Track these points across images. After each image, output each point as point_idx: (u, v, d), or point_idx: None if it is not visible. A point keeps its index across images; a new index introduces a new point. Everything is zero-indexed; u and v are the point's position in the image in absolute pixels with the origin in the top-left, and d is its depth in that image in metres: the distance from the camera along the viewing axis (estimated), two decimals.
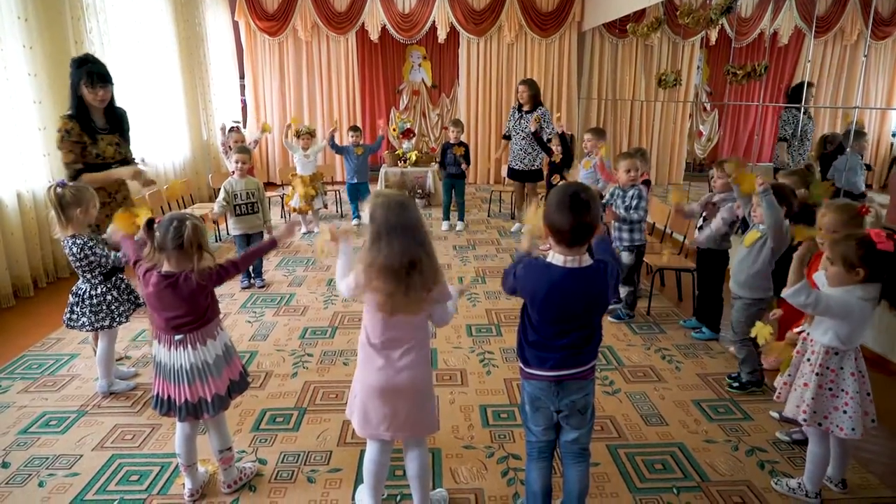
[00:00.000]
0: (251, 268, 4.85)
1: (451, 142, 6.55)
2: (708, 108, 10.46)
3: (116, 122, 3.58)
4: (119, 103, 3.73)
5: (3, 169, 4.46)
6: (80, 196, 2.80)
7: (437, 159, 6.89)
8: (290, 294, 4.69)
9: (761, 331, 2.52)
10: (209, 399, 2.23)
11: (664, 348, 3.74)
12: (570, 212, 1.80)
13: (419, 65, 9.96)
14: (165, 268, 2.16)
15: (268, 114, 9.69)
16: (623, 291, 4.13)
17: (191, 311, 2.18)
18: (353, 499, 2.35)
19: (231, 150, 5.65)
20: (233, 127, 7.39)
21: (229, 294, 4.65)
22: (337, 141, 6.77)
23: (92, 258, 2.86)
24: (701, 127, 10.48)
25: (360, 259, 1.91)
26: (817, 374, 2.20)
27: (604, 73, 9.89)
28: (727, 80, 6.89)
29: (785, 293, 2.16)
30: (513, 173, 6.72)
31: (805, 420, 2.22)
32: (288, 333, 3.95)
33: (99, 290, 2.96)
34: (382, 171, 8.15)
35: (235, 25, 9.35)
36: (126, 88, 6.03)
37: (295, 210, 6.36)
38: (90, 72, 3.33)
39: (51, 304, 4.45)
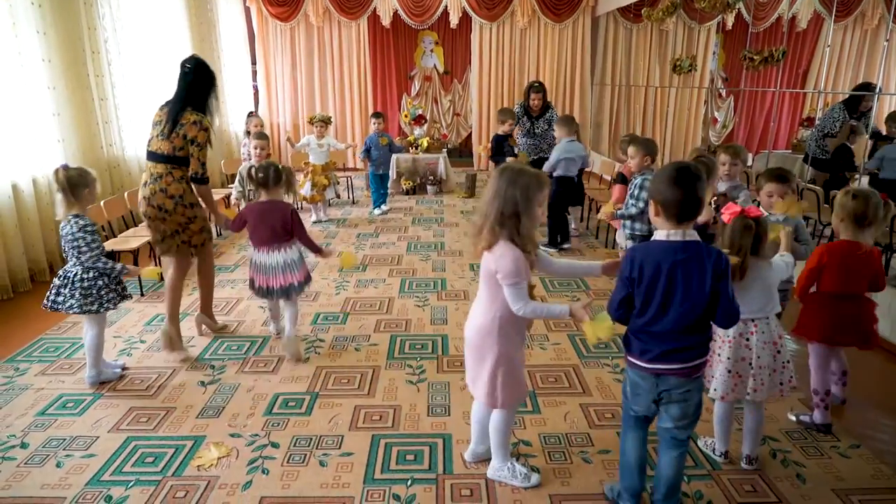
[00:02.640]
0: None
1: (506, 132, 6.07)
2: (723, 94, 10.31)
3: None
4: (131, 89, 3.72)
5: (19, 155, 4.50)
6: (86, 177, 2.94)
7: (489, 153, 6.28)
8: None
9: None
10: (295, 283, 3.36)
11: None
12: (678, 186, 1.83)
13: (431, 50, 9.90)
14: (264, 198, 3.36)
15: (279, 100, 9.69)
16: None
17: (283, 226, 3.32)
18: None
19: (250, 134, 5.67)
20: (251, 112, 7.40)
21: (242, 279, 4.68)
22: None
23: (89, 238, 2.92)
24: (716, 113, 10.34)
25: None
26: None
27: (618, 58, 9.77)
28: (743, 65, 6.77)
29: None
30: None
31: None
32: (300, 319, 3.96)
33: (90, 274, 2.96)
34: (394, 157, 8.14)
35: (247, 11, 9.33)
36: (138, 74, 6.06)
37: (305, 199, 6.31)
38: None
39: None
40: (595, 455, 2.55)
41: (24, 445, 2.60)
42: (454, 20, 9.22)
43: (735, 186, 3.56)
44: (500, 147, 6.02)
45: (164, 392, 3.05)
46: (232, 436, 2.68)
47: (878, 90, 5.88)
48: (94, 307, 2.98)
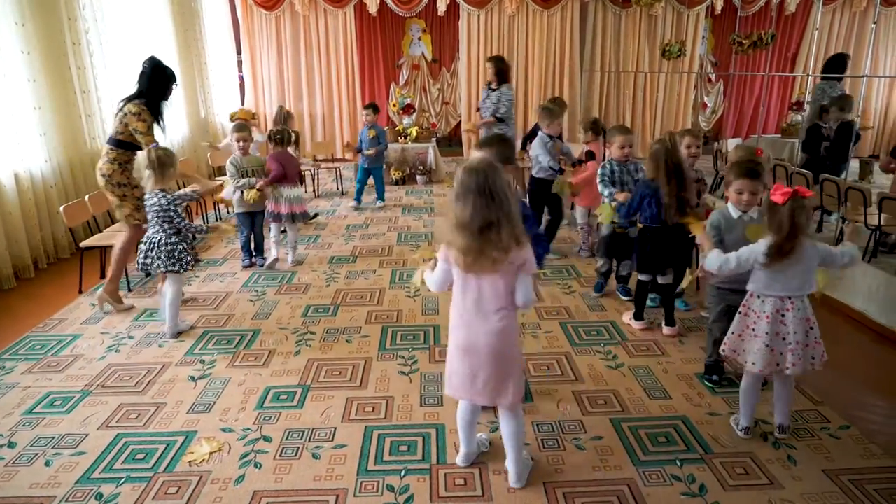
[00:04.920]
0: (253, 245, 4.86)
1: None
2: (713, 79, 10.30)
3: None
4: (113, 80, 3.79)
5: (0, 149, 4.42)
6: (172, 157, 3.52)
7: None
8: (292, 272, 4.68)
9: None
10: (299, 213, 4.74)
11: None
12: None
13: (419, 38, 9.81)
14: (280, 149, 4.78)
15: (266, 90, 9.58)
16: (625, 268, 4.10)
17: (297, 169, 4.88)
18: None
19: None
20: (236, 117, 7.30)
21: (231, 273, 4.64)
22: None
23: (172, 212, 3.42)
24: (706, 98, 10.34)
25: (445, 219, 2.07)
26: (742, 315, 2.46)
27: (607, 44, 9.72)
28: (733, 49, 6.75)
29: (705, 264, 2.48)
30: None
31: (724, 351, 2.51)
32: (290, 312, 3.94)
33: (173, 240, 3.46)
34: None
35: (231, 0, 9.18)
36: (121, 65, 5.96)
37: (222, 202, 5.07)
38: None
39: (52, 284, 4.46)
40: (588, 442, 2.55)
41: (11, 445, 2.56)
42: (442, 7, 9.13)
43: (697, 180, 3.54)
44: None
45: (153, 388, 3.02)
46: (223, 430, 2.66)
47: (864, 75, 5.89)
48: (176, 267, 3.46)
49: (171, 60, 7.04)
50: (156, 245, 3.44)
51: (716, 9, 9.52)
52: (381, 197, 6.88)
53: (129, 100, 3.88)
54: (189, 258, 3.52)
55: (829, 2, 9.48)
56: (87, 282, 4.35)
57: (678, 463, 2.42)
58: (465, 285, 2.10)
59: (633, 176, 3.94)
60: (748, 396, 2.54)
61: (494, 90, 6.11)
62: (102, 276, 4.53)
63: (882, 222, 4.28)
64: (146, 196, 3.48)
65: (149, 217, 3.48)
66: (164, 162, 3.42)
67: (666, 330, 3.56)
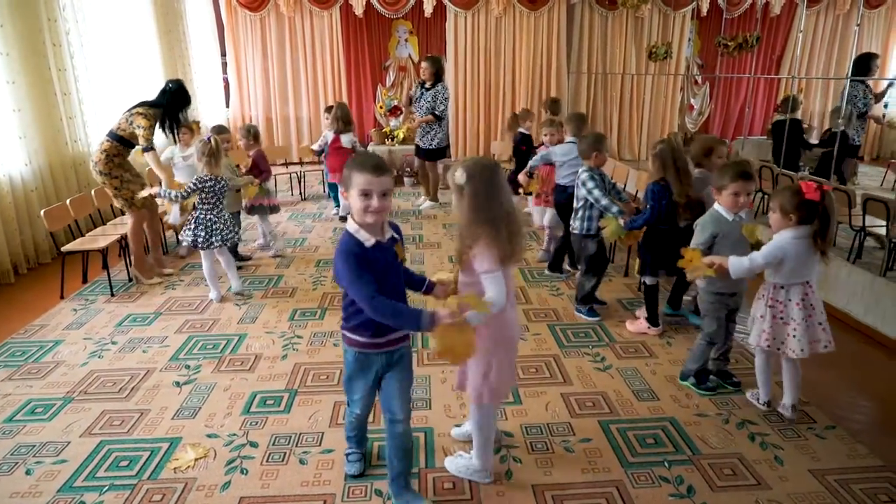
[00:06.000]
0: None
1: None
2: (699, 80, 10.37)
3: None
4: (96, 82, 3.80)
5: None
6: (220, 148, 4.05)
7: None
8: (279, 276, 4.64)
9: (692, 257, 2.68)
10: (276, 205, 5.20)
11: None
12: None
13: (406, 40, 9.78)
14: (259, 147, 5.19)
15: (251, 92, 9.51)
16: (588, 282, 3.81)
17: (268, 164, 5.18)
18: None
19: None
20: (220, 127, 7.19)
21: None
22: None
23: (222, 195, 4.06)
24: (692, 100, 10.41)
25: (472, 228, 2.00)
26: (769, 307, 2.59)
27: (594, 46, 9.76)
28: (718, 52, 6.81)
29: (732, 272, 2.56)
30: (416, 150, 6.66)
31: (767, 346, 2.60)
32: (277, 315, 3.90)
33: (225, 216, 4.09)
34: (370, 149, 8.07)
35: (215, 1, 9.11)
36: (103, 68, 5.89)
37: (172, 227, 5.00)
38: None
39: (33, 290, 4.38)
40: (577, 444, 2.55)
41: None
42: (428, 9, 9.11)
43: (699, 177, 3.43)
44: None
45: (137, 394, 2.97)
46: (209, 436, 2.62)
47: (847, 77, 5.93)
48: (236, 238, 4.25)
49: (153, 61, 7.03)
50: (212, 224, 3.95)
51: (702, 11, 9.59)
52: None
53: (143, 103, 4.27)
54: (239, 230, 4.36)
55: (812, 4, 9.59)
56: (68, 287, 4.29)
57: (666, 464, 2.42)
58: (508, 282, 2.06)
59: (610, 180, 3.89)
60: (764, 372, 2.77)
61: (429, 89, 6.22)
62: (84, 280, 4.46)
63: (867, 223, 4.33)
64: (201, 177, 3.91)
65: (203, 199, 3.93)
66: (215, 151, 3.92)
67: (639, 327, 3.61)
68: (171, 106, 4.36)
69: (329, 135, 6.00)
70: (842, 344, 3.52)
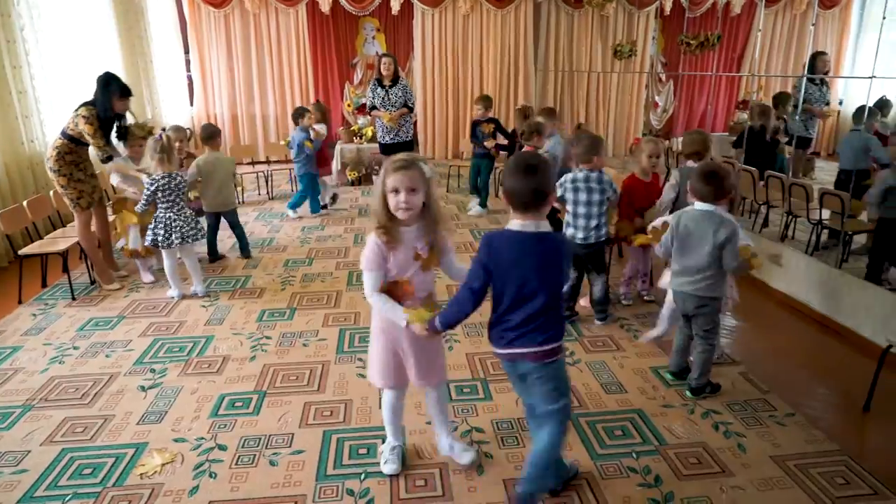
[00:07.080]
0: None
1: (480, 118, 6.31)
2: (663, 78, 10.56)
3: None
4: (54, 81, 3.70)
5: None
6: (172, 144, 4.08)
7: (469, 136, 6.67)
8: (246, 276, 4.57)
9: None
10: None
11: (623, 318, 3.81)
12: (524, 176, 1.88)
13: (373, 37, 9.73)
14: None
15: (216, 90, 9.34)
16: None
17: None
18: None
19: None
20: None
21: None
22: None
23: (182, 192, 4.00)
24: (657, 98, 10.60)
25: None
26: None
27: (560, 44, 9.85)
28: (681, 50, 6.94)
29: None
30: (384, 148, 6.57)
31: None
32: (245, 316, 3.85)
33: (187, 213, 4.02)
34: (338, 147, 8.01)
35: None
36: (60, 65, 5.71)
37: (132, 254, 4.44)
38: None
39: None
40: None
41: None
42: (395, 6, 9.07)
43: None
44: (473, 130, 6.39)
45: (100, 400, 2.90)
46: (176, 441, 2.58)
47: (802, 75, 6.12)
48: (198, 236, 4.14)
49: (113, 59, 6.84)
50: (171, 222, 3.91)
51: (665, 10, 9.77)
52: (295, 207, 6.33)
53: (84, 103, 4.10)
54: (201, 227, 4.17)
55: (771, 4, 9.85)
56: (27, 291, 4.15)
57: (634, 455, 2.47)
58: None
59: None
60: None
61: (392, 86, 6.30)
62: (44, 284, 4.33)
63: (824, 217, 4.48)
64: (154, 177, 3.86)
65: (160, 197, 3.88)
66: (168, 148, 3.90)
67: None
68: (103, 99, 4.05)
69: (323, 127, 6.30)
70: (801, 333, 3.66)
